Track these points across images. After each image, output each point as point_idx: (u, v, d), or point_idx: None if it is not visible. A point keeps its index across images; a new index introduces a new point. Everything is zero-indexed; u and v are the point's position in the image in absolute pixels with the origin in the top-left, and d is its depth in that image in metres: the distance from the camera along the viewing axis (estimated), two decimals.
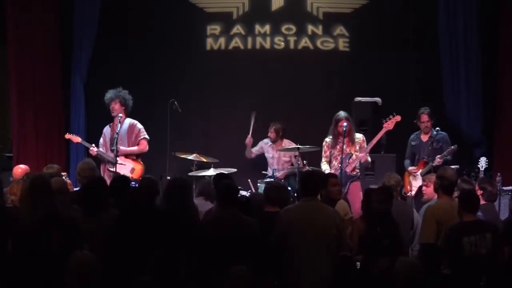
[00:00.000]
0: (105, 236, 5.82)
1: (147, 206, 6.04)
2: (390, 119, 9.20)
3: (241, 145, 10.68)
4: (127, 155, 9.58)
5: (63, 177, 7.74)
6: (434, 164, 9.26)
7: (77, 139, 9.85)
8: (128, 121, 9.70)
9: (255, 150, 10.58)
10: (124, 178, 6.79)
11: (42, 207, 5.71)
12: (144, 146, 9.68)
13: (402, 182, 9.05)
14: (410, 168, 9.58)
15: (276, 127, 10.32)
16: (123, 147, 9.54)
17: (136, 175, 9.39)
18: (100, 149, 9.63)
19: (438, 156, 9.34)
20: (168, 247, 5.79)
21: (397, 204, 6.84)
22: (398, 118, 9.20)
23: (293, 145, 9.96)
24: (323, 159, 9.21)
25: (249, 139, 10.50)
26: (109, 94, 9.72)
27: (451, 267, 5.79)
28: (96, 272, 5.07)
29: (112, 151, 9.39)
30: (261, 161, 10.62)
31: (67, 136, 9.99)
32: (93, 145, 9.64)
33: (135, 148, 9.65)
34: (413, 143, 9.74)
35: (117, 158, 9.32)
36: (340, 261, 5.92)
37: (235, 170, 9.69)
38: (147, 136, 9.70)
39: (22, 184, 6.58)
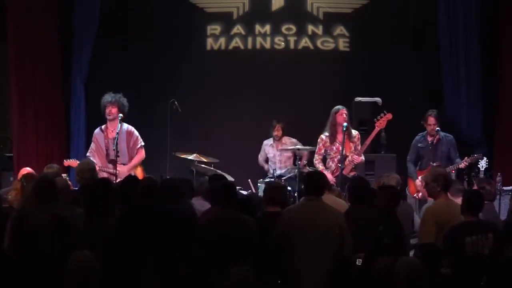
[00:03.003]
0: (105, 237, 5.81)
1: (147, 206, 6.03)
2: (381, 117, 9.19)
3: (241, 145, 10.66)
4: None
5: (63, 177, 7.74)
6: (460, 166, 9.19)
7: (76, 163, 9.61)
8: (125, 127, 9.55)
9: (262, 156, 10.55)
10: (135, 179, 6.74)
11: (48, 208, 5.71)
12: (142, 155, 9.58)
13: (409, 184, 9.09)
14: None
15: (282, 125, 10.33)
16: (125, 165, 9.41)
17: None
18: (95, 160, 9.39)
19: (466, 159, 9.21)
20: (167, 247, 5.78)
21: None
22: (389, 116, 9.16)
23: (293, 140, 10.10)
24: (316, 156, 9.17)
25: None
26: (108, 97, 9.53)
27: (453, 267, 5.78)
28: (96, 272, 5.08)
29: (114, 150, 9.31)
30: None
31: (66, 163, 9.68)
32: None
33: (135, 161, 9.53)
34: (419, 145, 9.40)
35: (117, 158, 9.32)
36: (340, 261, 5.90)
37: (233, 179, 9.63)
38: (143, 143, 9.59)
39: (20, 185, 6.60)
